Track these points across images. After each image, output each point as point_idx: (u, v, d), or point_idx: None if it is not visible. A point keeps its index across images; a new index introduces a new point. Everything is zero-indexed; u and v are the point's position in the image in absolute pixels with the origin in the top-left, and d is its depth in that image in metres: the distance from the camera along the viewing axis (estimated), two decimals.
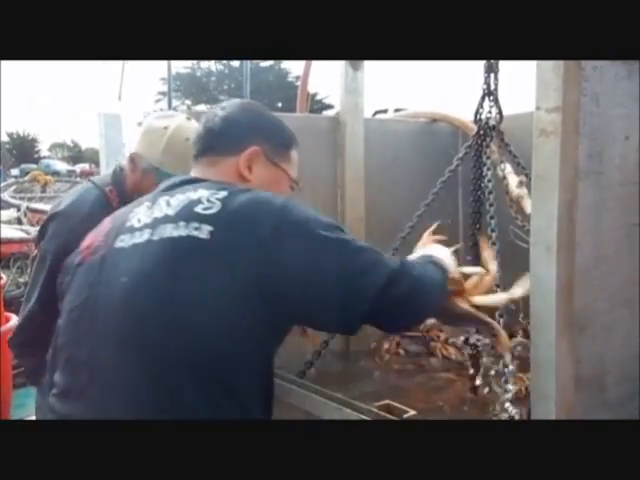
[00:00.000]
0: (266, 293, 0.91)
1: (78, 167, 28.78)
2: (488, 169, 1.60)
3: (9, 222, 6.86)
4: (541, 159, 0.99)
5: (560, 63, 0.95)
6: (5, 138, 39.05)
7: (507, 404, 1.29)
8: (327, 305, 0.96)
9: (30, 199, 9.04)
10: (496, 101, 1.60)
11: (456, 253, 1.24)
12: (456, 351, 1.90)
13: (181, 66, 27.23)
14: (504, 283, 1.36)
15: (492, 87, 1.59)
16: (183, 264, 0.93)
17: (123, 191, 1.57)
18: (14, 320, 3.13)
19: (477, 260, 1.53)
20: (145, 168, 1.56)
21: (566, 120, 0.95)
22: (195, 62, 27.80)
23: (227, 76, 28.29)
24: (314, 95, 20.49)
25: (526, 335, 1.51)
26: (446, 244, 1.26)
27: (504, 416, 1.29)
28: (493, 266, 1.37)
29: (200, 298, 0.91)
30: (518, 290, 1.25)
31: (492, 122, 1.62)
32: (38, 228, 1.68)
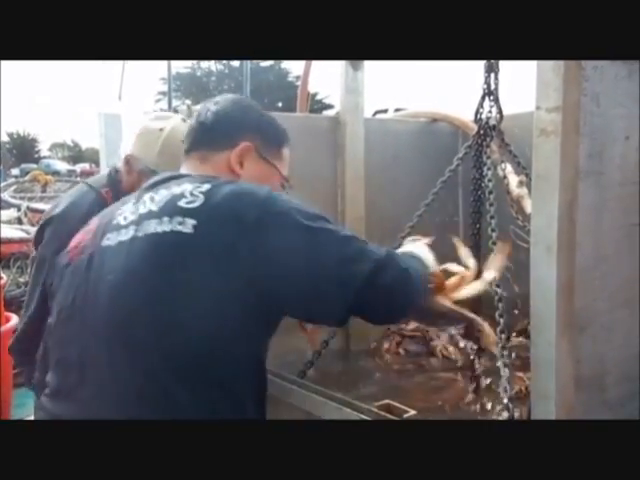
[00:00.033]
0: (252, 286, 0.90)
1: (78, 167, 28.70)
2: (488, 169, 1.59)
3: (9, 222, 6.85)
4: (541, 159, 0.99)
5: (560, 63, 0.94)
6: (5, 138, 39.07)
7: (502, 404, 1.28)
8: (313, 296, 0.95)
9: (30, 199, 9.01)
10: (496, 101, 1.60)
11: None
12: (456, 351, 1.90)
13: (181, 66, 27.33)
14: (504, 283, 1.36)
15: (492, 87, 1.59)
16: (168, 260, 0.92)
17: (119, 193, 1.56)
18: (14, 320, 3.13)
19: (477, 260, 1.53)
20: (141, 170, 1.55)
21: (566, 120, 0.95)
22: (195, 62, 27.90)
23: (227, 76, 28.30)
24: (314, 95, 20.50)
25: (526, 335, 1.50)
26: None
27: (504, 416, 1.29)
28: (471, 262, 1.36)
29: (186, 294, 0.90)
30: (491, 273, 1.25)
31: (492, 122, 1.61)
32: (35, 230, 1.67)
